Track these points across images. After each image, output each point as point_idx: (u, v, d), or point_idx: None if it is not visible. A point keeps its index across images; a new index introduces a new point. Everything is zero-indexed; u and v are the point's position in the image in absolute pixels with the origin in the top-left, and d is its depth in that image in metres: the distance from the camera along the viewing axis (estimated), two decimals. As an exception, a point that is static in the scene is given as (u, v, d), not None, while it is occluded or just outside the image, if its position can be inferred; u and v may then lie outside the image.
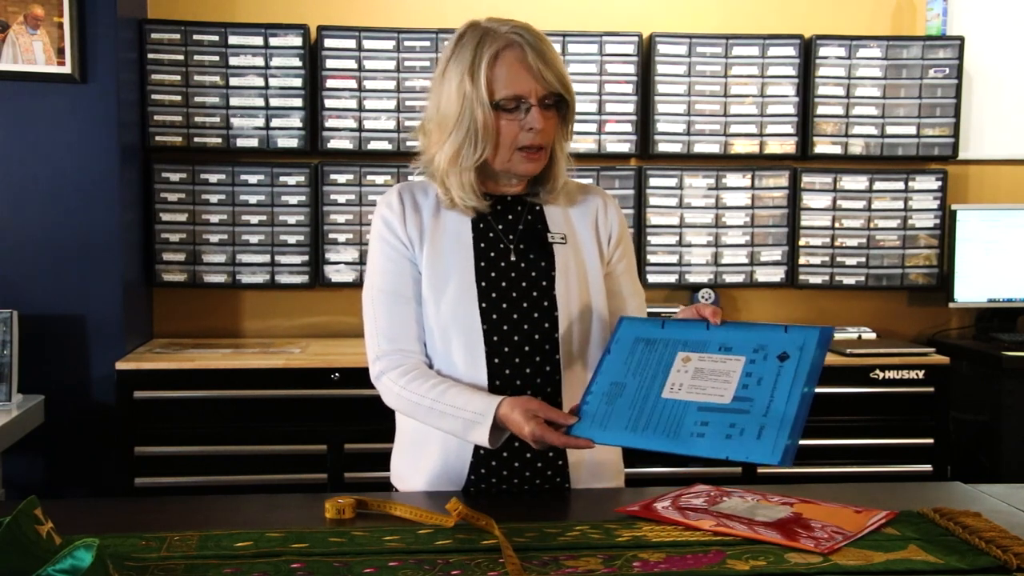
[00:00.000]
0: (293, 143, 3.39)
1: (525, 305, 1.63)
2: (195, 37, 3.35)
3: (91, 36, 2.98)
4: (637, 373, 1.49)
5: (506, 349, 1.62)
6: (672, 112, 3.49)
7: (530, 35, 1.60)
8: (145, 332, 3.38)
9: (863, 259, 3.59)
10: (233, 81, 3.37)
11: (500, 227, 1.68)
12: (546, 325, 1.63)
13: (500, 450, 1.57)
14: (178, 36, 3.34)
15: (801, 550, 1.29)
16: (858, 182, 3.58)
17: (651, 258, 3.52)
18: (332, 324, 3.55)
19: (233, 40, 3.36)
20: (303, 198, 3.42)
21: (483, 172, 1.66)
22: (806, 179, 3.57)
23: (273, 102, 3.38)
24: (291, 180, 3.41)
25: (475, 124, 1.58)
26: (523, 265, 1.66)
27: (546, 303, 1.64)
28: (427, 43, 3.39)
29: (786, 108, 3.52)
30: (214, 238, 3.40)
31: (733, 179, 3.55)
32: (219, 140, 3.38)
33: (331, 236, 3.44)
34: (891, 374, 3.18)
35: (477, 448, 1.61)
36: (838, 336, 3.45)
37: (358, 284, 3.41)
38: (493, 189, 1.69)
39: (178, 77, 3.35)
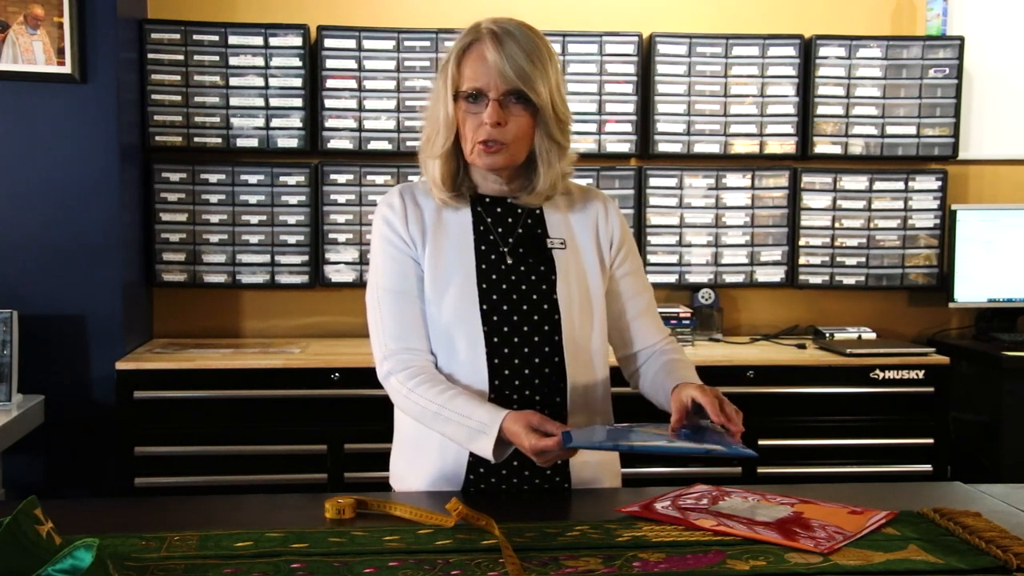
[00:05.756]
0: (293, 143, 3.39)
1: (525, 308, 1.63)
2: (195, 37, 3.35)
3: (91, 36, 2.98)
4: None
5: (506, 351, 1.61)
6: (672, 112, 3.49)
7: (505, 30, 1.58)
8: (145, 332, 3.38)
9: (863, 259, 3.59)
10: (233, 81, 3.37)
11: (500, 230, 1.68)
12: (546, 328, 1.63)
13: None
14: (178, 36, 3.34)
15: (801, 550, 1.29)
16: (858, 182, 3.58)
17: (651, 258, 3.52)
18: (332, 324, 3.55)
19: (233, 40, 3.36)
20: (303, 198, 3.42)
21: (467, 169, 1.67)
22: (806, 179, 3.57)
23: (273, 102, 3.38)
24: (291, 180, 3.41)
25: (441, 114, 1.61)
26: (522, 269, 1.65)
27: (546, 306, 1.64)
28: (427, 43, 3.39)
29: (786, 108, 3.52)
30: (214, 238, 3.40)
31: (733, 179, 3.55)
32: (219, 140, 3.38)
33: (331, 236, 3.43)
34: (891, 374, 3.18)
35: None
36: (839, 336, 3.45)
37: (358, 284, 3.41)
38: (483, 188, 1.69)
39: (178, 77, 3.35)
